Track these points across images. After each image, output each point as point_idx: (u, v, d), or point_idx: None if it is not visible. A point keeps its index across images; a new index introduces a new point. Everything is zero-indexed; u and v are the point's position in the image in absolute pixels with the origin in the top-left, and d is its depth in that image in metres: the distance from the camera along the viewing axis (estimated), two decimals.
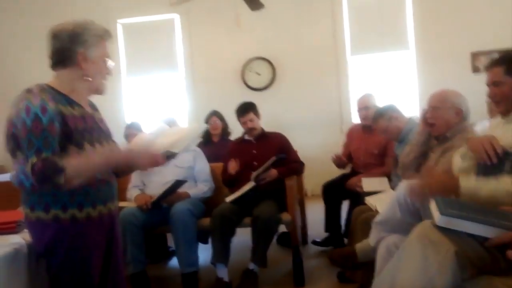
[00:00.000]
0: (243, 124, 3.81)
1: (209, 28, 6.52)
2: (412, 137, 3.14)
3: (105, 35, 1.88)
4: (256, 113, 3.82)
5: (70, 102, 1.80)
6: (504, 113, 2.18)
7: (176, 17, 6.59)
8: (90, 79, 1.84)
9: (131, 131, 3.99)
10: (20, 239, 1.90)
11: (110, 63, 1.91)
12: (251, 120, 3.76)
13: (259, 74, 6.47)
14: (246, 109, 3.79)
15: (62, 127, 1.71)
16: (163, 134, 2.00)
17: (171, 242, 4.14)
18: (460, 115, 2.72)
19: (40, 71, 6.61)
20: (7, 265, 1.74)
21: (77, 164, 1.67)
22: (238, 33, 5.99)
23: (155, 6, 6.55)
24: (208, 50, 6.58)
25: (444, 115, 2.71)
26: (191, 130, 2.10)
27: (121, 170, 1.97)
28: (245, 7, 5.10)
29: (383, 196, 2.97)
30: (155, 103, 6.75)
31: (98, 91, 1.90)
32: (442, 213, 1.65)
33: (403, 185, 2.32)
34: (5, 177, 5.26)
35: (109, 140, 1.94)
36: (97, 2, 6.61)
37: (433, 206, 1.74)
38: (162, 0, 6.41)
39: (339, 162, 4.04)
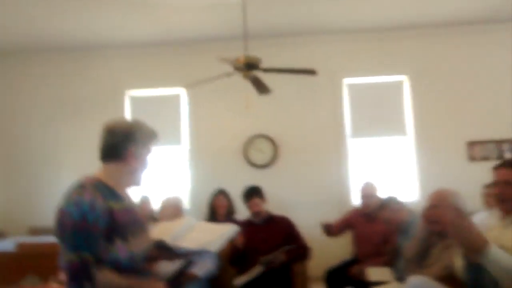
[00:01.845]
0: (249, 207, 3.96)
1: (214, 104, 6.79)
2: (414, 230, 3.33)
3: (153, 136, 2.09)
4: (261, 197, 3.98)
5: (117, 197, 1.97)
6: (506, 212, 2.34)
7: (182, 92, 6.91)
8: (135, 173, 2.03)
9: (144, 202, 4.07)
10: None
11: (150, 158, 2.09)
12: (257, 205, 3.92)
13: (262, 152, 6.71)
14: (252, 194, 3.96)
15: (110, 221, 1.86)
16: (194, 229, 2.15)
17: None
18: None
19: (62, 134, 6.85)
20: None
21: (108, 281, 1.81)
22: (242, 111, 6.28)
23: (163, 80, 6.87)
24: (212, 125, 6.82)
25: (443, 214, 2.90)
26: (229, 230, 2.20)
27: (153, 257, 2.12)
28: (250, 87, 5.38)
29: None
30: (157, 176, 6.89)
31: (137, 184, 2.09)
32: None
33: (411, 282, 2.47)
34: (4, 245, 5.37)
35: (145, 231, 2.10)
36: (108, 73, 6.92)
37: None
38: (170, 75, 6.81)
39: (328, 229, 4.15)
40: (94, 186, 1.91)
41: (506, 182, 2.34)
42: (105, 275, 1.79)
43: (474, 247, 1.94)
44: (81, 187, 1.90)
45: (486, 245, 1.93)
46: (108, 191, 1.96)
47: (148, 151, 2.09)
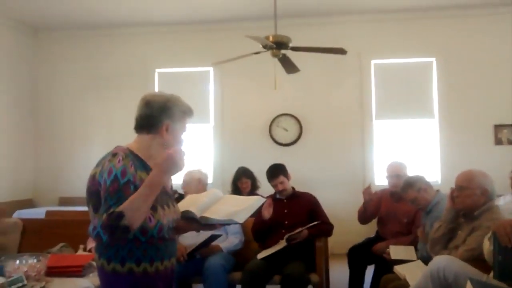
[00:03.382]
0: (273, 186, 3.97)
1: (241, 82, 6.83)
2: (439, 210, 3.31)
3: (189, 113, 2.10)
4: (285, 175, 3.98)
5: (146, 168, 2.00)
6: None
7: (210, 70, 6.93)
8: (166, 147, 2.05)
9: (190, 179, 4.07)
10: (89, 283, 2.08)
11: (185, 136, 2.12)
12: (281, 183, 3.93)
13: (286, 130, 6.71)
14: (276, 173, 3.95)
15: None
16: (220, 201, 2.17)
17: None
18: (486, 195, 2.88)
19: (92, 109, 7.00)
20: None
21: (130, 202, 1.82)
22: (268, 89, 6.27)
23: (192, 59, 6.92)
24: (238, 103, 6.87)
25: (471, 195, 2.87)
26: (255, 201, 2.21)
27: (181, 228, 2.16)
28: (279, 67, 5.35)
29: (412, 266, 3.10)
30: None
31: None
32: None
33: (437, 260, 2.46)
34: (35, 213, 5.55)
35: (173, 201, 2.14)
36: (138, 50, 7.03)
37: (468, 287, 1.90)
38: (199, 53, 6.83)
39: (369, 196, 4.18)
40: (125, 155, 1.94)
41: None
42: (125, 204, 1.80)
43: None
44: (113, 155, 1.94)
45: None
46: (139, 162, 1.99)
47: (183, 127, 2.10)
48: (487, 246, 2.41)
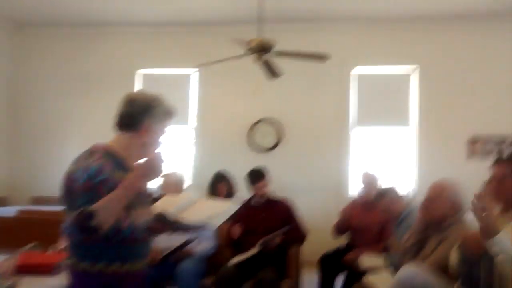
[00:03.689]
0: (256, 189, 3.97)
1: (224, 85, 6.81)
2: (411, 220, 3.37)
3: (170, 114, 2.10)
4: (269, 178, 4.02)
5: (124, 168, 1.99)
6: (502, 209, 2.37)
7: (192, 72, 6.93)
8: (145, 146, 2.05)
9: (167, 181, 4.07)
10: (59, 282, 2.06)
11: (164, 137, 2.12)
12: (263, 187, 3.95)
13: (266, 136, 6.73)
14: (261, 176, 3.98)
15: (114, 189, 1.87)
16: (196, 204, 2.18)
17: None
18: (455, 208, 2.93)
19: (72, 107, 6.91)
20: None
21: (103, 202, 1.82)
22: (250, 94, 6.31)
23: (174, 61, 6.91)
24: (220, 106, 6.85)
25: (440, 207, 2.92)
26: (230, 206, 2.23)
27: (154, 230, 2.16)
28: (259, 71, 5.37)
29: (382, 276, 3.14)
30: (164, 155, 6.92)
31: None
32: None
33: (405, 270, 2.51)
34: (6, 211, 5.45)
35: (147, 203, 2.14)
36: (120, 51, 6.98)
37: None
38: (182, 55, 6.82)
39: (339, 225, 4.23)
40: (103, 154, 1.94)
41: (498, 178, 2.36)
42: (98, 204, 1.80)
43: (492, 228, 2.06)
44: (90, 153, 1.93)
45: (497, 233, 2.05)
46: (117, 161, 1.98)
47: (163, 128, 2.10)
48: (454, 257, 2.47)
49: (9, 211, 5.33)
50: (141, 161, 1.94)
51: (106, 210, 1.81)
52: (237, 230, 3.78)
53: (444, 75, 6.45)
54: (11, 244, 3.37)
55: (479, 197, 2.13)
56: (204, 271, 3.67)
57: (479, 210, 2.11)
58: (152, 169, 1.91)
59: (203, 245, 3.82)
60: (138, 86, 6.96)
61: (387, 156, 6.60)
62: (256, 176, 3.98)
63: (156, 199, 2.30)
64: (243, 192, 4.74)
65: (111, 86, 6.70)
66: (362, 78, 6.72)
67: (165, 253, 3.53)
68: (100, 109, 6.58)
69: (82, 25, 6.88)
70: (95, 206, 1.79)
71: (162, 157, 1.94)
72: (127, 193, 1.88)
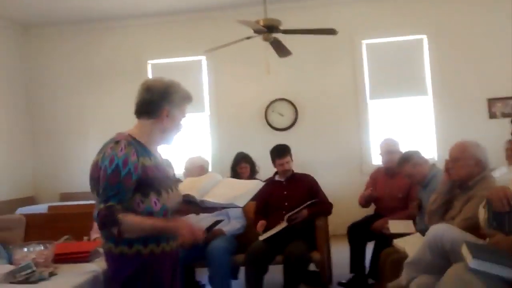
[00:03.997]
0: (279, 165, 4.00)
1: (235, 70, 6.85)
2: (436, 183, 3.37)
3: (188, 99, 2.14)
4: (291, 155, 4.05)
5: (148, 154, 2.05)
6: None
7: (203, 59, 6.94)
8: (166, 132, 2.09)
9: (191, 166, 4.11)
10: (96, 267, 2.14)
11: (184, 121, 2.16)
12: (287, 162, 3.99)
13: (282, 115, 6.76)
14: (284, 152, 4.01)
15: (143, 176, 1.94)
16: (219, 184, 2.22)
17: (198, 276, 4.36)
18: (480, 165, 2.92)
19: (87, 103, 7.02)
20: None
21: (132, 222, 1.89)
22: (262, 75, 6.29)
23: (184, 49, 6.93)
24: (233, 91, 6.89)
25: (465, 166, 2.91)
26: (255, 185, 2.25)
27: (182, 211, 2.21)
28: (271, 51, 5.37)
29: (410, 239, 3.16)
30: (181, 142, 6.98)
31: (168, 142, 2.15)
32: (474, 257, 1.87)
33: (434, 229, 2.52)
34: (37, 209, 5.59)
35: (176, 185, 2.18)
36: (130, 43, 7.04)
37: (465, 251, 1.96)
38: (191, 43, 6.84)
39: (367, 199, 4.24)
40: (127, 142, 1.98)
41: None
42: (128, 217, 1.88)
43: None
44: (115, 142, 1.97)
45: None
46: (141, 148, 2.02)
47: (182, 113, 2.13)
48: (482, 214, 2.47)
49: (40, 208, 5.48)
50: (189, 221, 2.04)
51: (130, 228, 1.89)
52: (262, 225, 3.80)
53: (455, 42, 6.39)
54: (45, 239, 3.48)
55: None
56: (234, 249, 3.72)
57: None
58: (183, 234, 1.99)
59: (232, 224, 3.87)
60: (150, 76, 6.99)
61: (407, 125, 6.56)
62: (281, 151, 4.01)
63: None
64: (265, 172, 4.78)
65: (123, 78, 6.78)
66: (373, 48, 6.65)
67: None
68: (115, 101, 6.69)
69: (89, 22, 6.95)
70: (123, 219, 1.86)
71: (197, 237, 2.01)
72: (154, 231, 1.97)
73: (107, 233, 1.90)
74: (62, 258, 2.32)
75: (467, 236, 2.41)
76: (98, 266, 2.19)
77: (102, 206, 1.86)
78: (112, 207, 1.85)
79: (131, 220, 1.88)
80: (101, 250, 2.23)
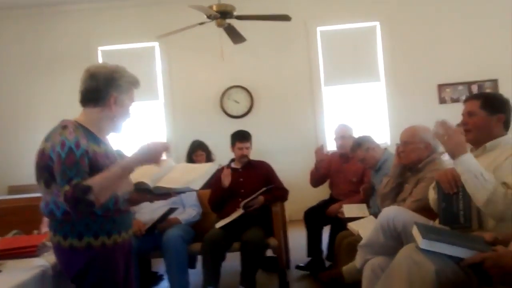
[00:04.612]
0: (238, 149, 3.98)
1: (189, 56, 6.74)
2: (388, 167, 3.45)
3: (135, 83, 2.08)
4: (251, 143, 4.04)
5: (98, 141, 1.98)
6: (473, 143, 2.44)
7: (156, 45, 6.80)
8: (115, 120, 2.02)
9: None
10: (45, 261, 2.06)
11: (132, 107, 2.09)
12: (247, 148, 3.98)
13: (237, 102, 6.73)
14: (245, 137, 4.01)
15: (93, 162, 1.87)
16: (174, 170, 2.17)
17: (154, 267, 4.31)
18: (429, 148, 3.04)
19: (35, 91, 6.71)
20: (36, 285, 1.90)
21: (101, 179, 1.82)
22: (217, 62, 6.24)
23: (136, 35, 6.75)
24: (187, 78, 6.79)
25: (415, 149, 3.01)
26: (209, 167, 2.21)
27: (134, 200, 2.15)
28: (225, 38, 5.33)
29: (364, 222, 3.23)
30: (134, 131, 6.84)
31: (118, 130, 2.09)
32: (424, 237, 1.91)
33: (385, 211, 2.58)
34: None
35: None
36: (79, 28, 6.79)
37: (415, 232, 2.01)
38: (143, 28, 6.66)
39: (321, 156, 4.31)
40: (75, 127, 1.91)
41: (468, 113, 2.42)
42: (94, 178, 1.80)
43: (456, 150, 2.17)
44: (62, 127, 1.89)
45: (464, 151, 2.17)
46: (89, 134, 1.96)
47: (131, 99, 2.07)
48: (432, 195, 2.54)
49: None
50: (144, 144, 1.94)
51: (103, 187, 1.80)
52: (228, 179, 3.76)
53: (407, 29, 6.53)
54: None
55: (440, 123, 2.23)
56: (191, 237, 3.69)
57: (441, 135, 2.22)
58: (153, 154, 1.92)
59: (187, 212, 3.83)
60: (100, 63, 6.79)
61: (361, 111, 6.68)
62: (243, 135, 4.01)
63: None
64: (221, 160, 4.74)
65: (74, 65, 6.41)
66: (327, 35, 6.71)
67: (149, 224, 3.53)
68: (64, 89, 6.42)
69: (37, 6, 6.65)
70: (91, 182, 1.78)
71: (165, 145, 1.95)
72: (124, 173, 1.90)
73: (84, 207, 1.79)
74: (7, 254, 2.22)
75: (418, 217, 2.47)
76: (46, 260, 2.10)
77: (67, 187, 1.77)
78: (77, 184, 1.77)
79: (99, 179, 1.81)
80: (49, 244, 2.14)
